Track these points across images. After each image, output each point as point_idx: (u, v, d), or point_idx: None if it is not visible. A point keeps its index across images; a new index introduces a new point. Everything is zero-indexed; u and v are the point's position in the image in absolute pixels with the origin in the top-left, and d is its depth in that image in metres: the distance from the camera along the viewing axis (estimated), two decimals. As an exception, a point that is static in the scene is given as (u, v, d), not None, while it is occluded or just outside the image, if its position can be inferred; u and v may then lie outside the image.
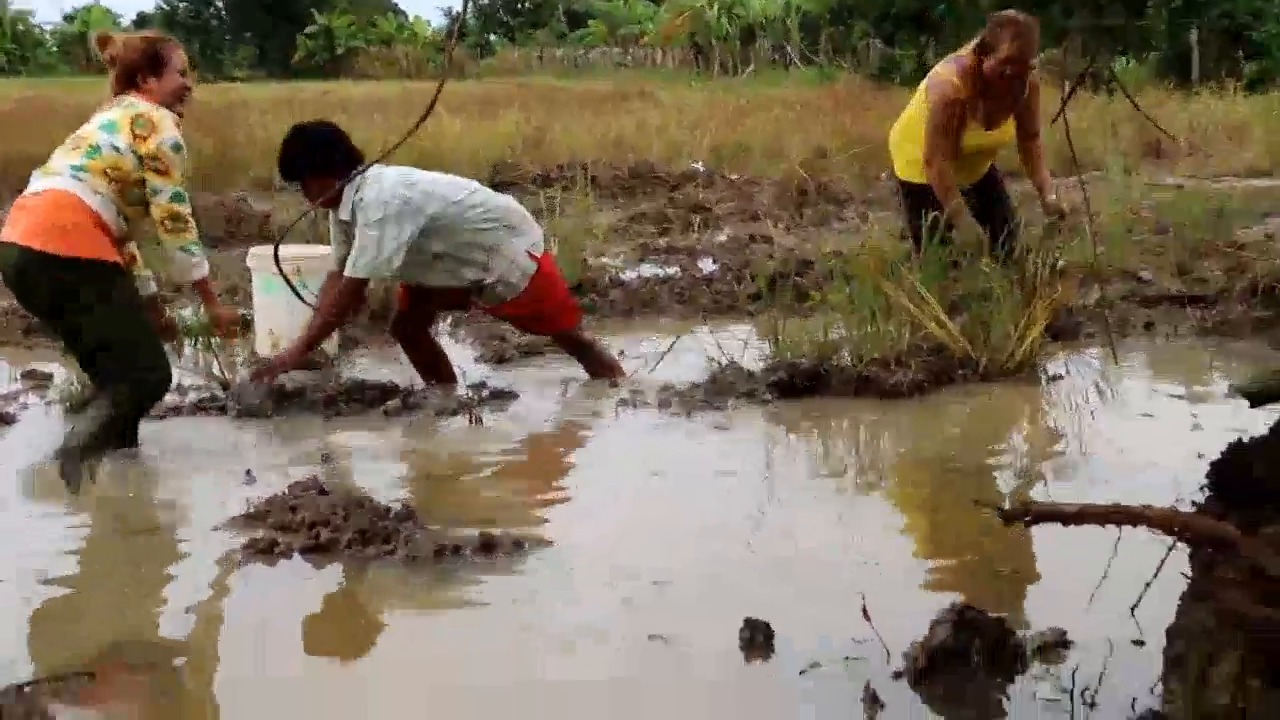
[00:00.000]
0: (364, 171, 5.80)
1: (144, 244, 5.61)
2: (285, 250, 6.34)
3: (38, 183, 5.15)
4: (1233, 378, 6.07)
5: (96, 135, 5.17)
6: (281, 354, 6.14)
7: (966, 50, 6.73)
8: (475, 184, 6.28)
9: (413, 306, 6.35)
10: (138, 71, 5.34)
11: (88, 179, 5.09)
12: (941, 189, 6.67)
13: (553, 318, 6.32)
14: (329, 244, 6.39)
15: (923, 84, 6.93)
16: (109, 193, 5.12)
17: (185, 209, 5.23)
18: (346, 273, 5.88)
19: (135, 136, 5.16)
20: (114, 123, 5.20)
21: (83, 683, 3.16)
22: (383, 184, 5.83)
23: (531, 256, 6.12)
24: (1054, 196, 6.84)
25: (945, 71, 6.73)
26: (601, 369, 6.40)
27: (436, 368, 6.39)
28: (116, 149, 5.14)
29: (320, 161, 5.86)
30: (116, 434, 5.08)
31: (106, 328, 5.06)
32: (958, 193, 6.69)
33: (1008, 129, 6.86)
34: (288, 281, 5.78)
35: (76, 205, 5.04)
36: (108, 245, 5.07)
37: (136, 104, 5.25)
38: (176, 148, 5.20)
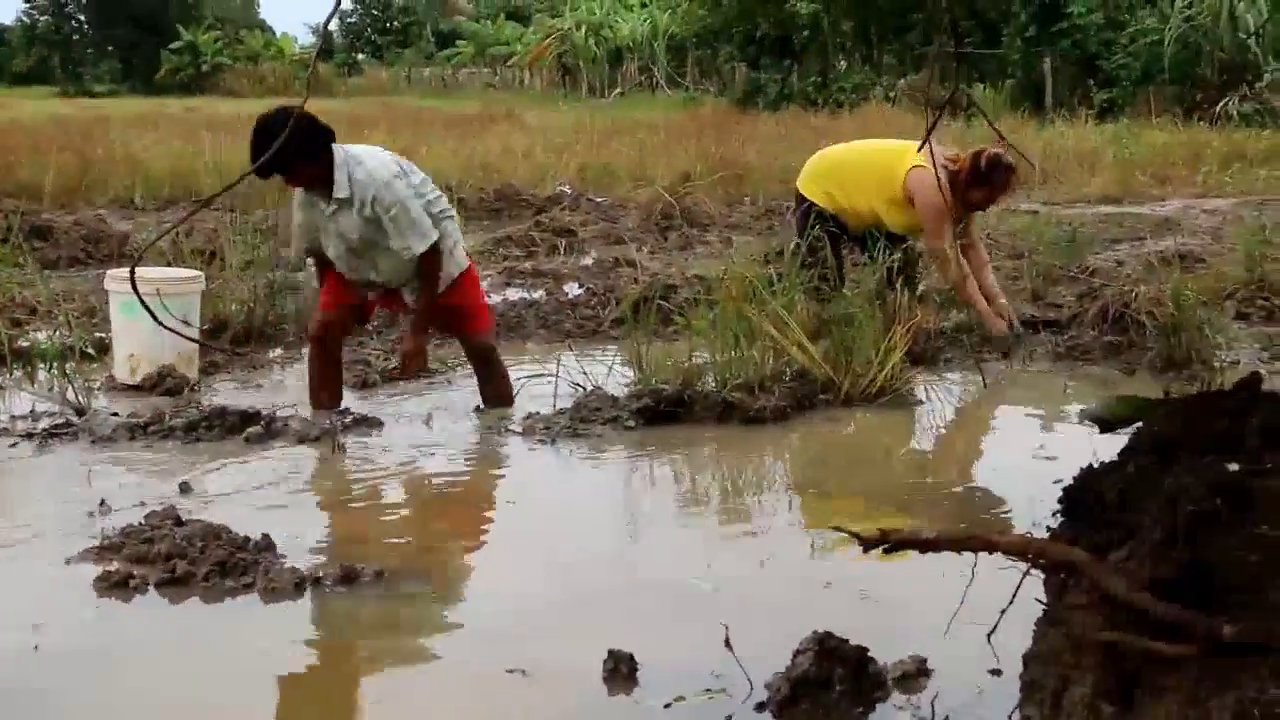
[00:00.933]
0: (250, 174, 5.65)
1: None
2: (144, 272, 6.23)
3: None
4: (1086, 403, 6.21)
5: None
6: (415, 329, 6.10)
7: (952, 161, 7.20)
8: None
9: (342, 311, 6.21)
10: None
11: None
12: (961, 284, 7.26)
13: (477, 313, 6.31)
14: (180, 265, 6.26)
15: (895, 161, 7.29)
16: None
17: None
18: (419, 251, 5.85)
19: None
20: None
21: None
22: (377, 159, 5.85)
23: (467, 256, 6.29)
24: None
25: (930, 178, 7.00)
26: (499, 394, 6.31)
27: (337, 385, 6.32)
28: None
29: (311, 146, 5.69)
30: None
31: None
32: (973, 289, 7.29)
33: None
34: (145, 305, 5.68)
35: None
36: None
37: None
38: None
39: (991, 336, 7.18)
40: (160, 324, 5.37)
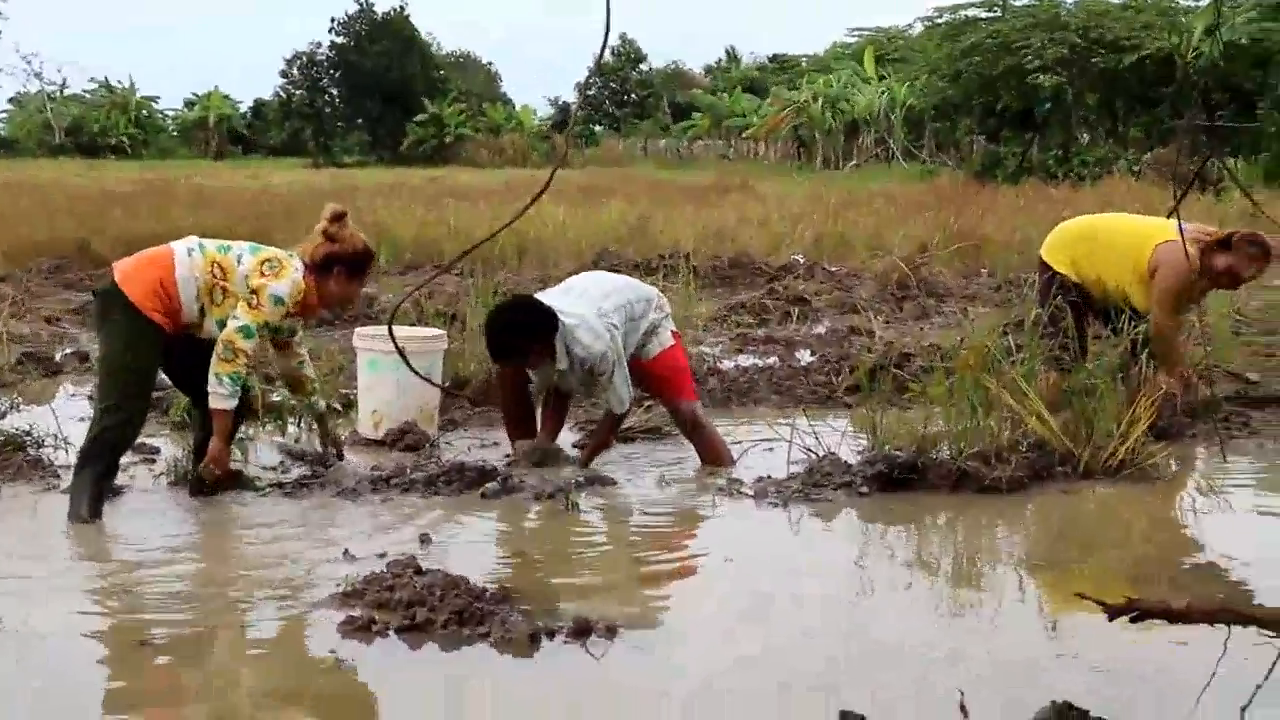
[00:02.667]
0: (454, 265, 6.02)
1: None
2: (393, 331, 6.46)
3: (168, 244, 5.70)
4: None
5: (237, 244, 5.71)
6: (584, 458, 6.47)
7: (1204, 234, 6.93)
8: (622, 279, 6.79)
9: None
10: (337, 263, 5.78)
11: (196, 257, 5.58)
12: (1178, 355, 6.98)
13: (681, 380, 6.56)
14: (423, 325, 6.45)
15: (1146, 235, 7.05)
16: (201, 278, 5.56)
17: (247, 345, 5.56)
18: (617, 412, 6.34)
19: (259, 271, 5.60)
20: (258, 248, 5.72)
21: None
22: (597, 331, 6.13)
23: (673, 334, 6.57)
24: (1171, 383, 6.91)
25: (1177, 254, 6.76)
26: (713, 455, 6.43)
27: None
28: (238, 260, 5.63)
29: (541, 334, 6.08)
30: (117, 451, 5.66)
31: (121, 360, 5.56)
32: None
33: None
34: (400, 352, 5.89)
35: (164, 263, 5.57)
36: (158, 307, 5.53)
37: (289, 258, 5.69)
38: (278, 301, 5.60)
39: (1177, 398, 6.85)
40: (414, 370, 5.58)
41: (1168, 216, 7.22)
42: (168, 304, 5.53)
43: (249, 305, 5.53)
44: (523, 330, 6.07)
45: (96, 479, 5.50)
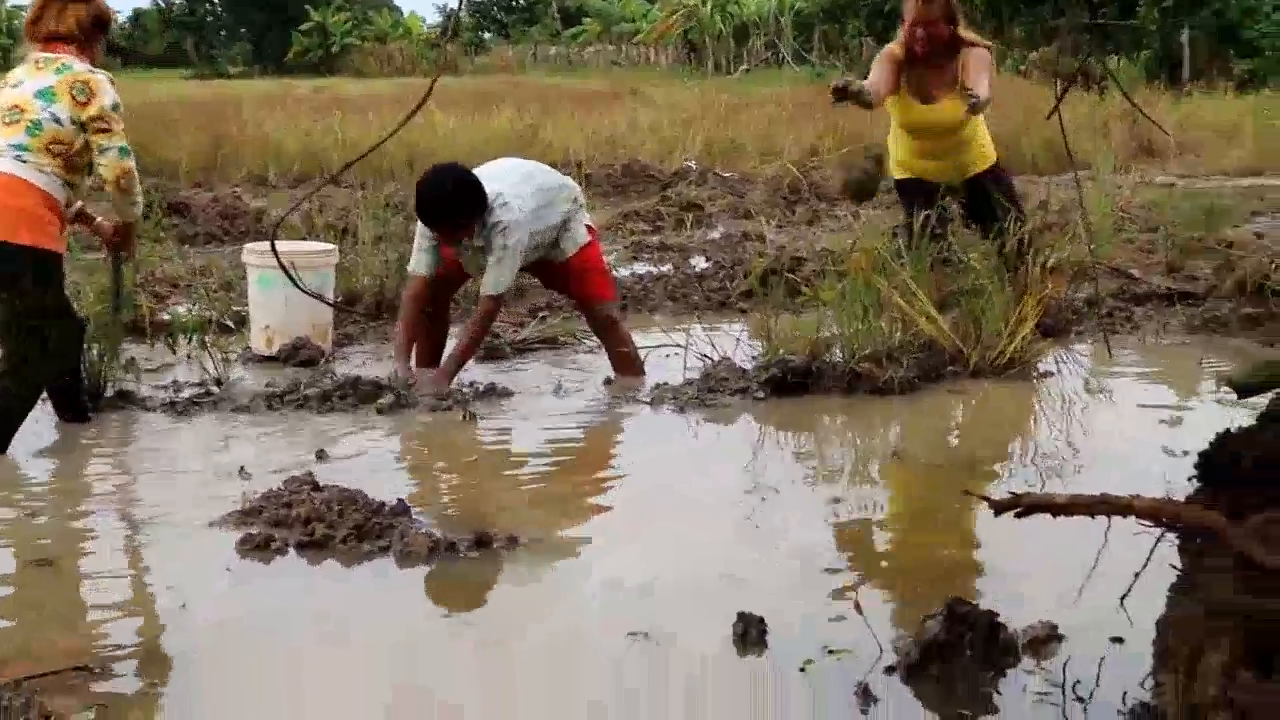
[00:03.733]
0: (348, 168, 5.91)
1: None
2: (280, 246, 6.41)
3: None
4: (1222, 374, 6.11)
5: (34, 107, 5.19)
6: (444, 368, 6.20)
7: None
8: (534, 164, 6.62)
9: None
10: (102, 29, 5.43)
11: (31, 159, 5.16)
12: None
13: (598, 280, 6.48)
14: (314, 240, 6.40)
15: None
16: (54, 169, 5.20)
17: (131, 163, 5.32)
18: (488, 293, 6.09)
19: (75, 103, 5.20)
20: (51, 90, 5.22)
21: (80, 677, 3.17)
22: (511, 211, 6.02)
23: (589, 230, 6.50)
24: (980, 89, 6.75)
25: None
26: (625, 362, 6.41)
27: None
28: (58, 120, 5.19)
29: (475, 209, 6.00)
30: (26, 407, 5.33)
31: (33, 313, 5.21)
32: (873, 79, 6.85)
33: (945, 109, 6.90)
34: (286, 271, 5.80)
35: (24, 189, 5.14)
36: (54, 233, 5.22)
37: (72, 66, 5.26)
38: (117, 108, 5.28)
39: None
40: (303, 290, 5.52)
41: (1049, 116, 7.25)
42: (57, 217, 5.24)
43: (102, 132, 5.20)
44: (462, 201, 5.98)
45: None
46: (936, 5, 6.81)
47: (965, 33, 6.91)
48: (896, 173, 7.13)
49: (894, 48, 6.93)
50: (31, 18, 5.37)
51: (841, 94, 6.49)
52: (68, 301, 5.50)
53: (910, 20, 6.81)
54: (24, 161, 5.14)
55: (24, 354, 5.26)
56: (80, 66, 5.27)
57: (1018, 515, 2.79)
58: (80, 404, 5.64)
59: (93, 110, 5.20)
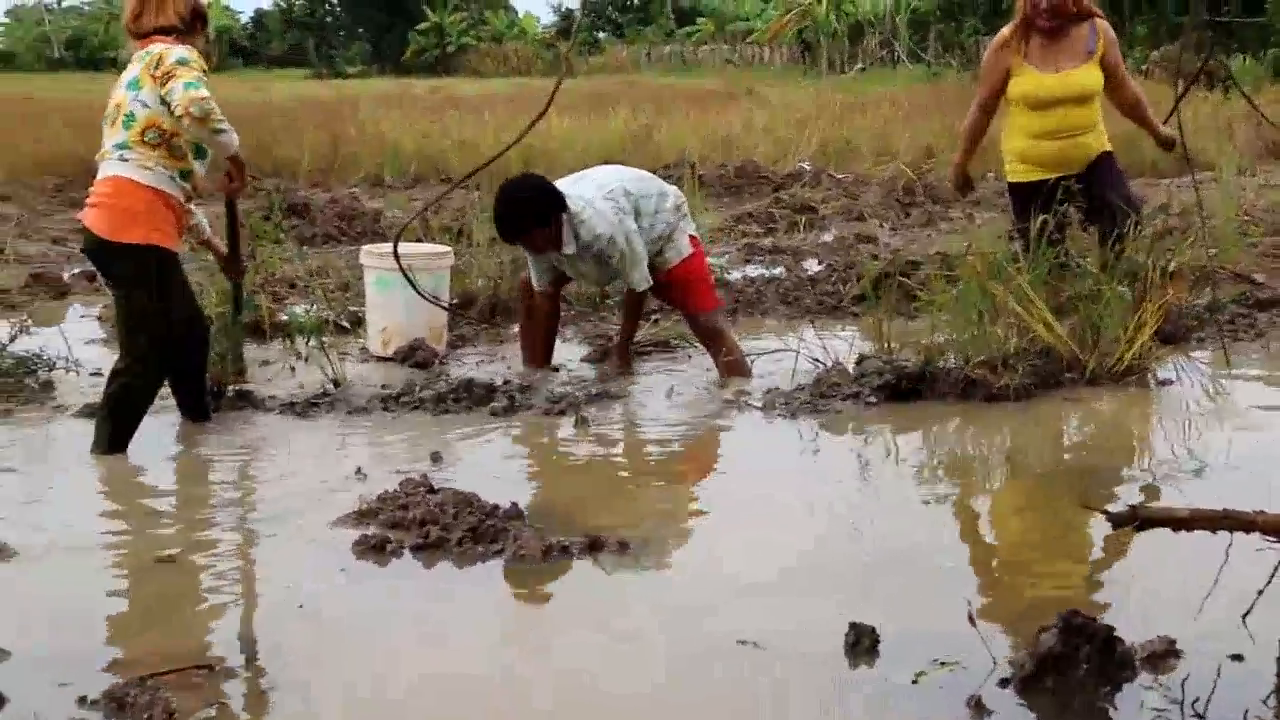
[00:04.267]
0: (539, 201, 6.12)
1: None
2: (400, 248, 6.50)
3: (101, 168, 5.30)
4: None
5: (127, 99, 5.25)
6: (620, 356, 6.58)
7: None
8: (637, 171, 6.72)
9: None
10: (200, 18, 5.46)
11: (133, 156, 5.21)
12: (961, 135, 7.16)
13: (700, 291, 6.52)
14: (430, 241, 6.50)
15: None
16: (159, 162, 5.22)
17: (203, 92, 5.08)
18: (638, 290, 6.32)
19: (153, 79, 5.19)
20: (137, 79, 5.27)
21: (202, 675, 3.24)
22: (603, 212, 6.11)
23: (691, 240, 6.52)
24: (1165, 129, 6.77)
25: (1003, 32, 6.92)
26: (733, 367, 6.41)
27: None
28: (145, 105, 5.21)
29: (544, 212, 6.08)
30: (144, 404, 5.41)
31: (148, 311, 5.29)
32: (967, 144, 7.12)
33: (1076, 77, 6.76)
34: (405, 275, 5.90)
35: (130, 189, 5.21)
36: (168, 229, 5.28)
37: (155, 49, 5.25)
38: (182, 60, 5.17)
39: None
40: (421, 294, 5.57)
41: (1167, 118, 7.14)
42: (171, 212, 5.31)
43: (169, 77, 5.10)
44: (527, 207, 6.07)
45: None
46: None
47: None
48: (1013, 174, 7.00)
49: (1005, 32, 6.88)
50: (132, 15, 5.40)
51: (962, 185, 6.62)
52: (190, 299, 5.57)
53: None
54: (126, 160, 5.21)
55: (140, 352, 5.35)
56: (158, 46, 5.25)
57: (1137, 528, 2.77)
58: (203, 404, 5.74)
59: (161, 71, 5.16)
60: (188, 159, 5.31)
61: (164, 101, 5.16)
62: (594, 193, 6.18)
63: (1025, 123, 6.89)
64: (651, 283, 6.31)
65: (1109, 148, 6.91)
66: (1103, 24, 6.80)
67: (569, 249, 6.14)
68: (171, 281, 5.36)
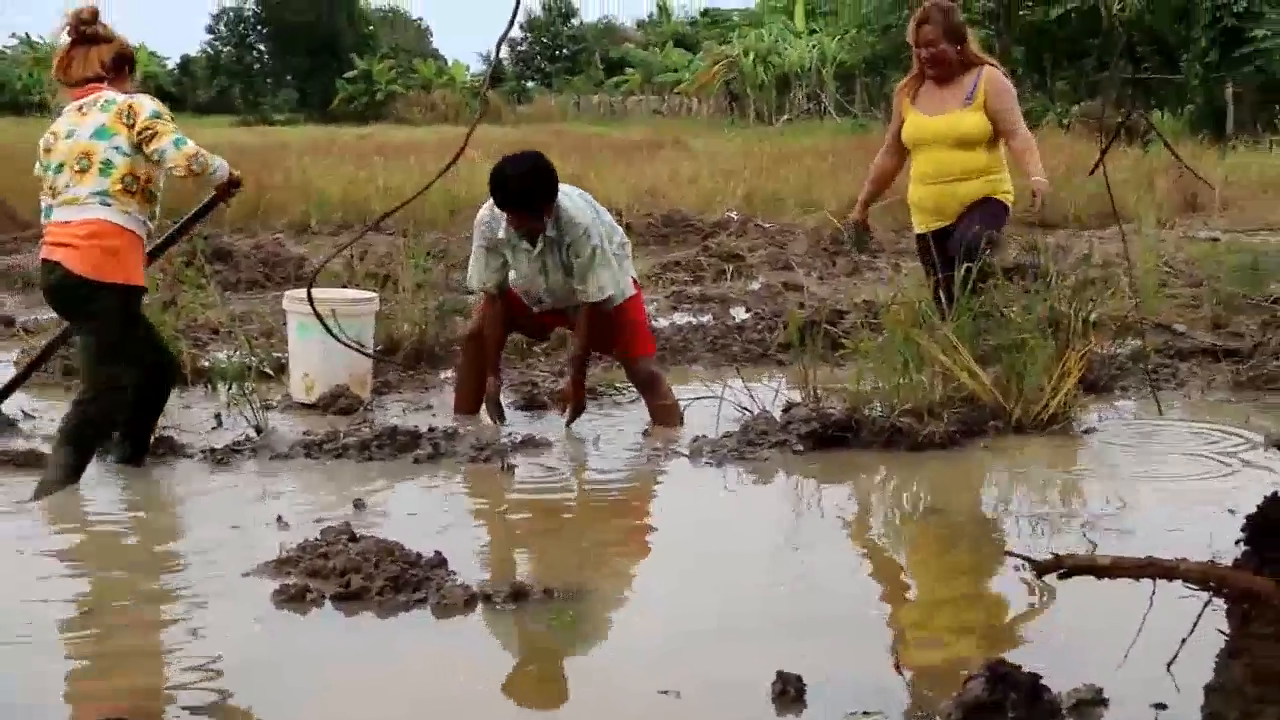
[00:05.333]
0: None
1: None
2: (320, 293, 6.43)
3: (67, 212, 5.39)
4: (1269, 432, 6.03)
5: (99, 148, 5.38)
6: (574, 377, 6.37)
7: None
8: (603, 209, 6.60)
9: (507, 324, 6.56)
10: (127, 63, 5.64)
11: (115, 202, 5.37)
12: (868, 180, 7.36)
13: (638, 337, 6.47)
14: (354, 287, 6.44)
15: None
16: (135, 208, 5.42)
17: (192, 147, 5.38)
18: (594, 299, 6.17)
19: (128, 129, 5.38)
20: (105, 127, 5.40)
21: (115, 726, 3.17)
22: (577, 204, 6.13)
23: (634, 282, 6.54)
24: (1040, 179, 6.82)
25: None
26: (665, 415, 6.39)
27: (479, 391, 6.52)
28: (123, 152, 5.38)
29: (550, 193, 6.04)
30: (105, 432, 5.60)
31: (118, 344, 5.46)
32: (870, 185, 7.40)
33: (948, 120, 6.91)
34: (322, 321, 5.81)
35: (114, 232, 5.37)
36: (140, 269, 5.52)
37: (116, 99, 5.47)
38: (156, 115, 5.41)
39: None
40: (339, 339, 5.54)
41: (1092, 170, 7.20)
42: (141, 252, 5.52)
43: (154, 137, 5.33)
44: (550, 178, 6.00)
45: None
46: (931, 27, 6.88)
47: (975, 50, 7.02)
48: (915, 225, 7.16)
49: (905, 81, 7.16)
50: (61, 66, 5.57)
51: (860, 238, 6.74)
52: (157, 336, 5.86)
53: (913, 44, 6.98)
54: (109, 205, 5.36)
55: (107, 384, 5.45)
56: (121, 97, 5.46)
57: (1061, 576, 2.76)
58: (147, 442, 5.78)
59: (138, 126, 5.35)
60: (156, 202, 5.54)
61: (139, 150, 5.36)
62: (572, 189, 6.23)
63: (913, 167, 7.15)
64: (616, 293, 6.22)
65: (998, 196, 6.96)
66: (990, 72, 6.95)
67: (550, 232, 6.08)
68: (140, 315, 5.63)
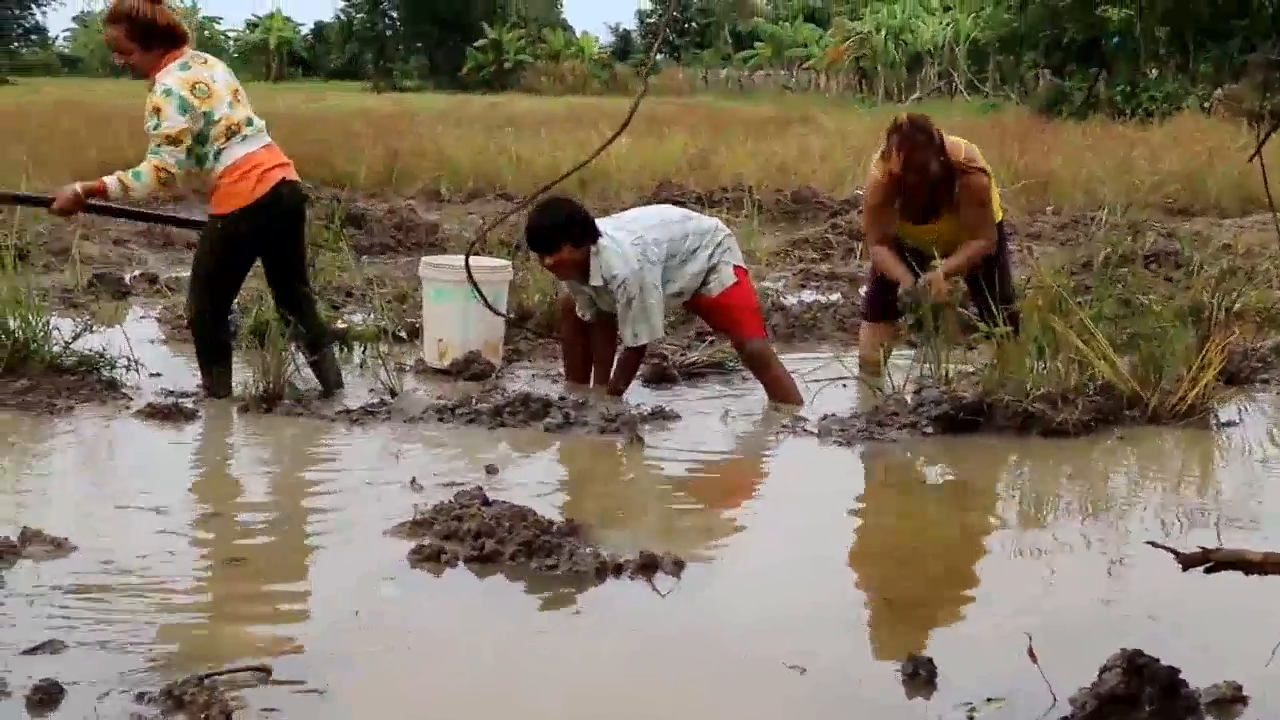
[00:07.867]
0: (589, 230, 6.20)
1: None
2: (456, 261, 6.54)
3: (266, 139, 6.10)
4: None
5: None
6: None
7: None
8: (681, 212, 6.72)
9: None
10: (144, 35, 5.92)
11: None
12: (880, 268, 7.04)
13: (746, 318, 6.52)
14: (487, 256, 6.50)
15: None
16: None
17: (147, 162, 5.94)
18: (629, 344, 6.31)
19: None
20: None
21: (258, 676, 3.24)
22: (626, 255, 6.16)
23: (736, 270, 6.51)
24: (941, 270, 6.67)
25: (874, 166, 6.90)
26: (782, 394, 6.42)
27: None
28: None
29: (578, 234, 6.13)
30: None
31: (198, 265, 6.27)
32: (892, 263, 6.89)
33: (937, 229, 6.85)
34: (475, 288, 5.93)
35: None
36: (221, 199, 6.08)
37: (152, 89, 5.93)
38: (155, 126, 5.91)
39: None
40: (487, 305, 5.61)
41: (1251, 157, 7.05)
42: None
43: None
44: (557, 219, 6.17)
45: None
46: (918, 155, 6.60)
47: (956, 157, 6.78)
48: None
49: (877, 175, 6.82)
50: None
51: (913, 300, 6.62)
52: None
53: (894, 170, 6.65)
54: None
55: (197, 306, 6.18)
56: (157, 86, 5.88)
57: (1208, 570, 2.73)
58: (325, 375, 6.38)
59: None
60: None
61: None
62: (625, 236, 6.24)
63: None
64: (639, 346, 6.31)
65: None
66: (969, 180, 6.78)
67: (596, 280, 6.20)
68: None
